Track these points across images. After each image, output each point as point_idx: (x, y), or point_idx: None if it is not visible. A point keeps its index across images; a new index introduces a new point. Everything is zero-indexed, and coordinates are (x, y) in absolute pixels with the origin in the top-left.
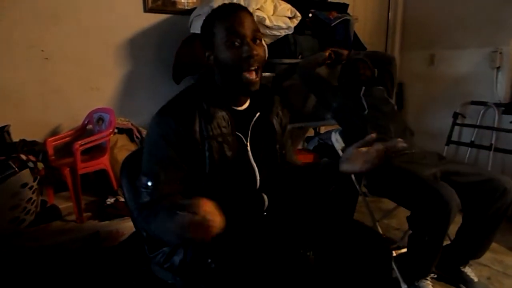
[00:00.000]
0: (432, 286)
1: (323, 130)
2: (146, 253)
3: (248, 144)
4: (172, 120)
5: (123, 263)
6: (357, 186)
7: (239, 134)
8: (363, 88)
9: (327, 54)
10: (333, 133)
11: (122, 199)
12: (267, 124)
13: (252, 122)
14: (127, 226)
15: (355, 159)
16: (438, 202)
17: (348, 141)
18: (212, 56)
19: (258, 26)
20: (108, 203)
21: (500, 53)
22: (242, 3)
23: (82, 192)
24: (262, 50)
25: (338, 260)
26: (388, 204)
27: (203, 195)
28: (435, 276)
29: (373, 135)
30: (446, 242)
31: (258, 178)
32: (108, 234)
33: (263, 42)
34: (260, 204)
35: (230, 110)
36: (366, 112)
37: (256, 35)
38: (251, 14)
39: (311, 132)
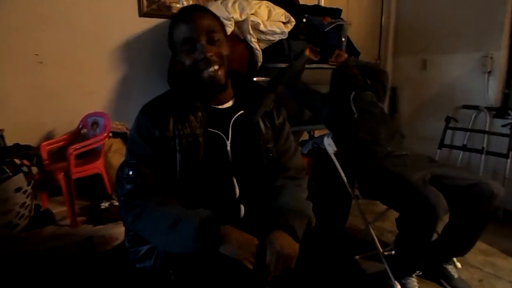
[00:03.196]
0: (418, 283)
1: (317, 134)
2: (125, 247)
3: (229, 143)
4: (147, 117)
5: (117, 268)
6: (350, 190)
7: (219, 132)
8: (353, 93)
9: (308, 52)
10: (325, 138)
11: (117, 203)
12: (252, 123)
13: (232, 120)
14: (121, 230)
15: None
16: (425, 207)
17: (340, 145)
18: (180, 61)
19: (215, 26)
20: (102, 207)
21: (491, 57)
22: (236, 8)
23: (76, 197)
24: (219, 48)
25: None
26: (382, 207)
27: (177, 195)
28: (420, 273)
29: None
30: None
31: (235, 182)
32: (102, 239)
33: (223, 40)
34: (236, 212)
35: (209, 109)
36: (355, 115)
37: (211, 36)
38: (208, 13)
39: (305, 136)
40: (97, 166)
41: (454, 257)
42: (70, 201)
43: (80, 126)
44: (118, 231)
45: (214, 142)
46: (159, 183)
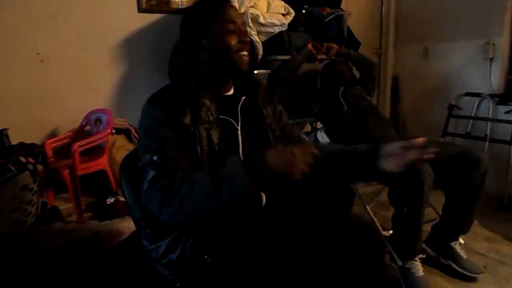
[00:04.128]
0: (422, 266)
1: (319, 125)
2: (144, 246)
3: (239, 128)
4: (161, 105)
5: (124, 262)
6: None
7: (229, 119)
8: (342, 88)
9: (310, 46)
10: (318, 132)
11: (122, 199)
12: (255, 107)
13: (240, 105)
14: (127, 225)
15: (393, 158)
16: (411, 173)
17: (332, 137)
18: (207, 43)
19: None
20: (108, 203)
21: (493, 44)
22: (235, 1)
23: (81, 193)
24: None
25: (331, 257)
26: (383, 197)
27: None
28: (424, 256)
29: (421, 139)
30: (436, 221)
31: None
32: (109, 234)
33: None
34: (258, 202)
35: (217, 96)
36: (345, 108)
37: (245, 27)
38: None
39: (308, 128)
40: (102, 163)
41: (458, 234)
42: (76, 198)
43: (84, 123)
44: (124, 225)
45: (226, 129)
46: (185, 164)
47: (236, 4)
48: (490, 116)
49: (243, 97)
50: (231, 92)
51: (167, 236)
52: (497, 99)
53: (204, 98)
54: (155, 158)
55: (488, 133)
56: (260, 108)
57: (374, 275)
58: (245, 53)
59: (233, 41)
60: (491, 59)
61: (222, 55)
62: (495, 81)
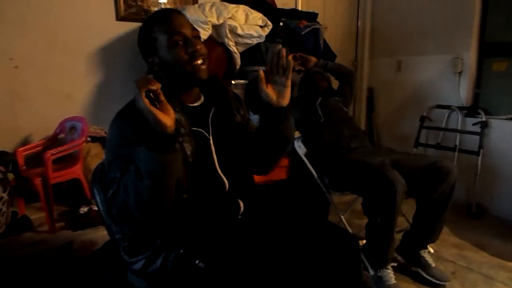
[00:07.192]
0: (394, 274)
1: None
2: (124, 259)
3: (211, 138)
4: (133, 124)
5: (97, 272)
6: (321, 185)
7: (201, 130)
8: (320, 98)
9: (290, 58)
10: (295, 141)
11: (96, 208)
12: (226, 115)
13: (210, 116)
14: (100, 235)
15: (266, 85)
16: (384, 183)
17: (309, 146)
18: (157, 59)
19: (194, 32)
20: (81, 212)
21: (461, 59)
22: (213, 12)
23: (54, 202)
24: (202, 45)
25: (309, 261)
26: (358, 205)
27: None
28: (396, 264)
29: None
30: (407, 229)
31: (223, 176)
32: (82, 244)
33: (201, 39)
34: (235, 209)
35: (186, 108)
36: (322, 120)
37: (194, 33)
38: (185, 16)
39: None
40: (75, 171)
41: (427, 242)
42: (48, 207)
43: (58, 131)
44: (98, 235)
45: (199, 140)
46: None
47: (214, 16)
48: (459, 128)
49: (213, 107)
50: (200, 101)
51: (146, 251)
52: (465, 111)
53: (175, 110)
54: (118, 175)
55: (457, 143)
56: (232, 114)
57: (349, 284)
58: (198, 61)
59: (181, 52)
60: (460, 73)
61: (174, 69)
62: (463, 94)
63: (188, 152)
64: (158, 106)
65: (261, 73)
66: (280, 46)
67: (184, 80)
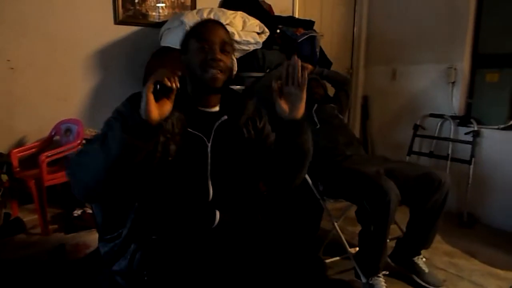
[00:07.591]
0: (385, 282)
1: None
2: (99, 237)
3: (210, 145)
4: (133, 107)
5: (89, 276)
6: (315, 191)
7: (199, 134)
8: (316, 105)
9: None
10: None
11: (90, 211)
12: (235, 129)
13: (216, 124)
14: (93, 238)
15: (281, 99)
16: (379, 193)
17: None
18: (185, 59)
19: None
20: (75, 215)
21: (455, 69)
22: (212, 18)
23: (48, 204)
24: (227, 58)
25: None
26: (351, 212)
27: (147, 189)
28: (388, 272)
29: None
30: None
31: (210, 185)
32: (75, 247)
33: (232, 55)
34: (211, 219)
35: (195, 111)
36: (318, 126)
37: (225, 47)
38: (224, 28)
39: None
40: None
41: (420, 249)
42: (41, 209)
43: (53, 133)
44: (91, 238)
45: (192, 143)
46: None
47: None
48: (451, 137)
49: (225, 117)
50: (215, 109)
51: (114, 240)
52: (458, 120)
53: (177, 111)
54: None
55: (449, 152)
56: (240, 129)
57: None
58: (213, 70)
59: (201, 57)
60: (453, 83)
61: (192, 71)
62: (456, 103)
63: (171, 150)
64: (158, 98)
65: (276, 84)
66: (296, 57)
67: (198, 84)
